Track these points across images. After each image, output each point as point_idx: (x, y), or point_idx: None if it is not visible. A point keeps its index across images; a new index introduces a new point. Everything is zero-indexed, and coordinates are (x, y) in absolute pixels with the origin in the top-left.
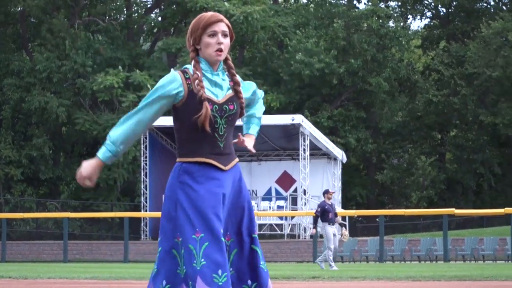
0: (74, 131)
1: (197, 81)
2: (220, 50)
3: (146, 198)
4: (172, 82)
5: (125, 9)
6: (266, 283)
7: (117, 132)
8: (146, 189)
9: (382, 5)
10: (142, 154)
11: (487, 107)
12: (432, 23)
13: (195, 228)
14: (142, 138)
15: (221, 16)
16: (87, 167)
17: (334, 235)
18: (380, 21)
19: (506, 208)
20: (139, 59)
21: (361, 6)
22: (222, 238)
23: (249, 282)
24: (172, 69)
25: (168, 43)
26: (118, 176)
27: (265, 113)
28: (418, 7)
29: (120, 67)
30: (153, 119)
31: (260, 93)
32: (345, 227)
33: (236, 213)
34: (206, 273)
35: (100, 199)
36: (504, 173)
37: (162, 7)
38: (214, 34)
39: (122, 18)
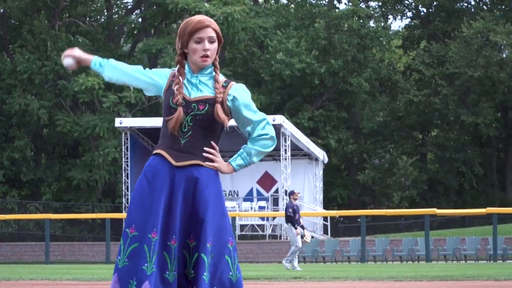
0: (55, 133)
1: (177, 86)
2: (206, 56)
3: (127, 199)
4: (165, 72)
5: (105, 11)
6: None
7: (115, 62)
8: (127, 190)
9: (362, 5)
10: (123, 155)
11: (468, 107)
12: (412, 23)
13: (132, 223)
14: (123, 139)
15: (208, 22)
16: (77, 50)
17: (301, 236)
18: (361, 21)
19: (487, 208)
20: (120, 59)
21: (342, 6)
22: (151, 237)
23: None
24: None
25: (148, 44)
26: (99, 178)
27: None
28: (398, 7)
29: None
30: (137, 81)
31: (260, 123)
32: (306, 229)
33: (189, 219)
34: (123, 277)
35: (81, 201)
36: (486, 173)
37: (143, 8)
38: (200, 41)
39: (103, 20)
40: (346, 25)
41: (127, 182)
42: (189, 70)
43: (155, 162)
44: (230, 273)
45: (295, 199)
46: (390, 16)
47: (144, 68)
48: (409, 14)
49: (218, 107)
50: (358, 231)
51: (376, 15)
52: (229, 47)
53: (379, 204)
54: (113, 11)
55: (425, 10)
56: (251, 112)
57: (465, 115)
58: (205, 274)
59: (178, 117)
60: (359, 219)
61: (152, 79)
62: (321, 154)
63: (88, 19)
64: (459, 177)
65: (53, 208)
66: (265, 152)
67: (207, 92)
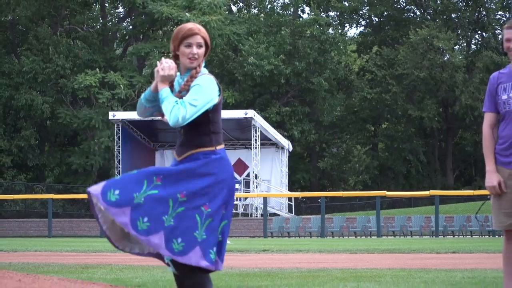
0: (57, 124)
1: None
2: (194, 59)
3: None
4: None
5: (100, 19)
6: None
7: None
8: (119, 174)
9: (323, 14)
10: (115, 144)
11: (414, 103)
12: (366, 31)
13: None
14: (115, 130)
15: (197, 30)
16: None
17: None
18: (321, 28)
19: (430, 191)
20: (113, 61)
21: (305, 15)
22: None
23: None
24: None
25: (138, 48)
26: (95, 163)
27: (222, 108)
28: (354, 16)
29: (97, 69)
30: None
31: (183, 102)
32: None
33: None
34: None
35: (79, 183)
36: (429, 160)
37: (133, 17)
38: (189, 45)
39: (98, 27)
40: (308, 32)
41: (119, 167)
42: (179, 72)
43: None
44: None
45: None
46: (347, 24)
47: None
48: (363, 22)
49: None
50: (318, 210)
51: (334, 23)
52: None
53: (336, 187)
54: (107, 19)
55: (377, 19)
56: (190, 93)
57: (411, 110)
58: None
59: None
60: (319, 200)
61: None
62: (286, 143)
63: (85, 26)
64: (406, 164)
65: (55, 189)
66: (165, 112)
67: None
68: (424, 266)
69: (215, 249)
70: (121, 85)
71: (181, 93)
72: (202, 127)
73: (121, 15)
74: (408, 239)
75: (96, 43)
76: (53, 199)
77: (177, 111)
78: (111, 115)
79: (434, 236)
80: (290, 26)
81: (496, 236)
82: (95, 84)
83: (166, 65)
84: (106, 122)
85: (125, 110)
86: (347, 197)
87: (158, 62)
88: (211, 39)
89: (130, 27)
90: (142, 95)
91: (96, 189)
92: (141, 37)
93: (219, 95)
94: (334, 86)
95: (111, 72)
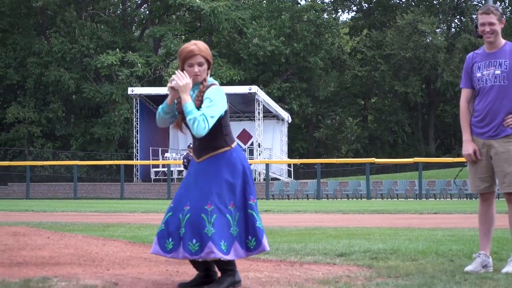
0: (82, 99)
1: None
2: (197, 76)
3: (137, 149)
4: None
5: (120, 5)
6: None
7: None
8: (137, 143)
9: (318, 1)
10: (134, 116)
11: (400, 80)
12: (357, 15)
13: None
14: (134, 104)
15: (197, 51)
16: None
17: None
18: (317, 13)
19: (414, 158)
20: (131, 43)
21: (302, 2)
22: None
23: (250, 237)
24: None
25: (154, 31)
26: (115, 133)
27: (229, 84)
28: (346, 2)
29: (117, 49)
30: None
31: (204, 107)
32: None
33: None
34: (158, 237)
35: (101, 151)
36: (413, 131)
37: (149, 3)
38: (191, 65)
39: (119, 12)
40: (305, 17)
41: (137, 137)
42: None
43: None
44: (206, 229)
45: (190, 151)
46: (340, 10)
47: None
48: (354, 8)
49: (178, 117)
50: (315, 175)
51: (328, 9)
52: (216, 33)
53: (330, 154)
54: (127, 5)
55: (366, 5)
56: (206, 106)
57: (397, 86)
58: (257, 223)
59: (178, 121)
60: (315, 166)
61: None
62: (286, 115)
63: (107, 11)
64: (393, 134)
65: (80, 156)
66: (190, 125)
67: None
68: (408, 225)
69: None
70: (139, 64)
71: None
72: (217, 132)
73: (139, 2)
74: (394, 201)
75: (116, 26)
76: (78, 165)
77: (202, 123)
78: (130, 90)
79: (417, 199)
80: (289, 11)
81: (473, 199)
82: (116, 63)
83: (180, 76)
84: (126, 96)
85: (142, 86)
86: (340, 163)
87: (172, 77)
88: (219, 23)
89: (147, 12)
90: (160, 108)
91: (155, 249)
92: (156, 21)
93: (227, 102)
94: (329, 65)
95: (130, 52)
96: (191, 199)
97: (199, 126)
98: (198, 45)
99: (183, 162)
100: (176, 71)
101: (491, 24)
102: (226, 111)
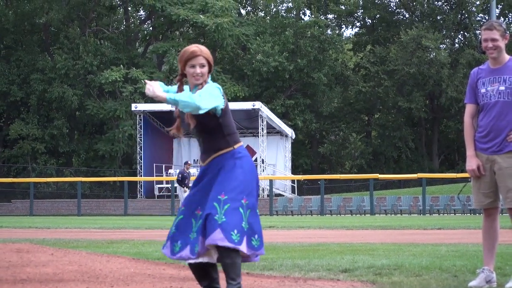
0: (85, 115)
1: None
2: (198, 77)
3: (141, 166)
4: None
5: (124, 21)
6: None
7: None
8: (141, 159)
9: (322, 17)
10: (138, 132)
11: (404, 95)
12: (360, 31)
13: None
14: (137, 120)
15: (199, 51)
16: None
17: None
18: (321, 29)
19: (418, 174)
20: (135, 59)
21: (306, 18)
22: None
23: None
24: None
25: (157, 47)
26: (119, 149)
27: (233, 100)
28: (350, 18)
29: (121, 66)
30: None
31: (198, 93)
32: None
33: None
34: (168, 239)
35: (105, 167)
36: (417, 147)
37: (153, 19)
38: (193, 66)
39: (122, 28)
40: (309, 33)
41: (141, 153)
42: (188, 87)
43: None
44: (216, 216)
45: (187, 168)
46: (343, 26)
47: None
48: (358, 24)
49: (177, 121)
50: (318, 191)
51: (332, 25)
52: (219, 49)
53: (334, 170)
54: (130, 21)
55: (370, 21)
56: (198, 93)
57: (401, 101)
58: (216, 216)
59: (177, 125)
60: (319, 182)
61: None
62: (290, 131)
63: (111, 27)
64: (397, 150)
65: (83, 172)
66: (183, 102)
67: None
68: (412, 241)
69: (236, 231)
70: (143, 80)
71: None
72: (217, 133)
73: (142, 18)
74: (398, 217)
75: (120, 42)
76: (82, 182)
77: (193, 98)
78: (134, 106)
79: (421, 214)
80: (293, 27)
81: (477, 214)
82: (120, 79)
83: (148, 85)
84: (129, 113)
85: (146, 102)
86: (344, 179)
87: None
88: (222, 39)
89: (151, 28)
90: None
91: (166, 252)
92: (160, 37)
93: (223, 99)
94: (332, 81)
95: (134, 68)
96: (202, 203)
97: (192, 101)
98: (199, 47)
99: (178, 177)
100: (142, 81)
101: (493, 40)
102: (224, 111)
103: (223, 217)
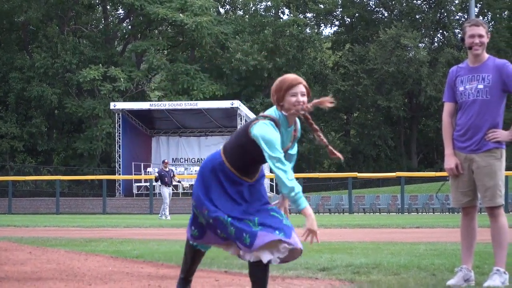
0: (64, 113)
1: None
2: (300, 105)
3: (119, 164)
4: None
5: (103, 20)
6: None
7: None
8: (119, 158)
9: (301, 16)
10: (116, 131)
11: (383, 94)
12: (339, 30)
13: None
14: (116, 118)
15: (301, 80)
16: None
17: (169, 194)
18: (300, 28)
19: (397, 172)
20: (114, 58)
21: (285, 17)
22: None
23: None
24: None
25: (136, 45)
26: (98, 148)
27: (211, 99)
28: (328, 17)
29: (100, 64)
30: None
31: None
32: (182, 183)
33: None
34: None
35: (84, 166)
36: (396, 146)
37: (132, 18)
38: (294, 95)
39: (101, 27)
40: (288, 32)
41: (119, 151)
42: (286, 122)
43: None
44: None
45: (165, 166)
46: (322, 24)
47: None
48: (337, 23)
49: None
50: None
51: (311, 23)
52: (198, 48)
53: (313, 169)
54: (109, 20)
55: (349, 20)
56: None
57: (380, 100)
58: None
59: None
60: (297, 180)
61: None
62: None
63: (89, 26)
64: (375, 149)
65: (62, 171)
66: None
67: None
68: (391, 239)
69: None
70: (121, 79)
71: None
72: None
73: (121, 16)
74: (377, 216)
75: (99, 41)
76: (60, 180)
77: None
78: (112, 105)
79: (400, 213)
80: (272, 26)
81: (455, 213)
82: (98, 78)
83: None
84: (108, 111)
85: (124, 100)
86: (323, 178)
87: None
88: (201, 37)
89: (129, 27)
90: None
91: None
92: (139, 36)
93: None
94: (311, 80)
95: (112, 67)
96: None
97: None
98: (299, 77)
99: (156, 176)
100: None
101: (480, 36)
102: None
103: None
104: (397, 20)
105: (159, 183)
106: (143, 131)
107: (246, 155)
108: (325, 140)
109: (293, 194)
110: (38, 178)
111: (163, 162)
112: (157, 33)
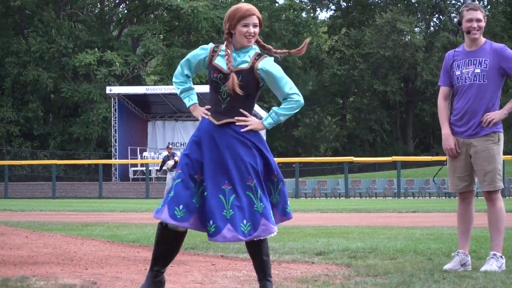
0: (60, 98)
1: (226, 57)
2: (250, 38)
3: (115, 149)
4: (205, 49)
5: (99, 4)
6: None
7: (185, 87)
8: (115, 142)
9: (297, 0)
10: (112, 115)
11: (379, 78)
12: (335, 14)
13: (179, 166)
14: (112, 103)
15: (254, 10)
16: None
17: (172, 179)
18: (295, 12)
19: (393, 157)
20: (110, 42)
21: (281, 1)
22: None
23: (245, 221)
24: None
25: (132, 30)
26: (94, 132)
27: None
28: (324, 1)
29: (95, 49)
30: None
31: (289, 89)
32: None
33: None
34: (170, 206)
35: (80, 150)
36: (392, 130)
37: (128, 2)
38: (246, 25)
39: (97, 11)
40: (284, 16)
41: (115, 136)
42: (233, 47)
43: (204, 122)
44: (255, 206)
45: (169, 151)
46: (318, 9)
47: (186, 60)
48: (333, 7)
49: (234, 76)
50: (293, 174)
51: (307, 8)
52: (194, 32)
53: (309, 153)
54: (105, 4)
55: (345, 4)
56: (284, 86)
57: (376, 84)
58: (255, 205)
59: (233, 80)
60: (294, 165)
61: (198, 65)
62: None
63: (85, 10)
64: (371, 133)
65: (58, 155)
66: (290, 114)
67: (243, 65)
68: (387, 224)
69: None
70: (117, 63)
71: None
72: (247, 102)
73: (117, 1)
74: (373, 200)
75: (95, 25)
76: (56, 164)
77: (298, 103)
78: (108, 89)
79: (396, 197)
80: (268, 10)
81: (452, 198)
82: (94, 62)
83: (250, 126)
84: (104, 95)
85: (120, 85)
86: (319, 162)
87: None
88: (197, 22)
89: (125, 11)
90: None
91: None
92: (135, 20)
93: None
94: (307, 64)
95: (108, 51)
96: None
97: (297, 105)
98: (252, 6)
99: (161, 165)
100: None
101: (478, 20)
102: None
103: (261, 204)
104: (393, 4)
105: (166, 167)
106: (139, 116)
107: None
108: (280, 50)
109: (178, 92)
110: (35, 163)
111: (167, 147)
112: (153, 17)
